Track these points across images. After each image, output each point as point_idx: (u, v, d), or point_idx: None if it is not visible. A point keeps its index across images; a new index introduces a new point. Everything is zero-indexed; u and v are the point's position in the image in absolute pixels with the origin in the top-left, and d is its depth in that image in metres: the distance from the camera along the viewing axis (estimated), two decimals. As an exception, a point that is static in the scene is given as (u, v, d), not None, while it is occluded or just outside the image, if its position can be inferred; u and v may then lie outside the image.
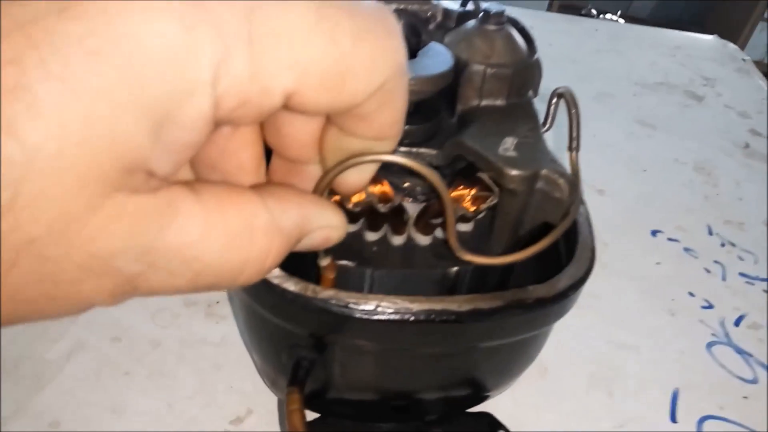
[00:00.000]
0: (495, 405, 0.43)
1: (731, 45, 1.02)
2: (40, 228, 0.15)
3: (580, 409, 0.46)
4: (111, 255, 0.16)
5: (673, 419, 0.46)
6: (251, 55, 0.16)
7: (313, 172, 0.24)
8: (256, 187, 0.21)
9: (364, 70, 0.19)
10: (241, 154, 0.22)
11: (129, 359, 0.44)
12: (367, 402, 0.38)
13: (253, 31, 0.16)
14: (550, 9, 2.26)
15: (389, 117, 0.21)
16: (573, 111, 0.33)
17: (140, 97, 0.15)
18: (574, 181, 0.30)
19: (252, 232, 0.19)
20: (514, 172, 0.29)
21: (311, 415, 0.39)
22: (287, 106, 0.19)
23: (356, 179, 0.25)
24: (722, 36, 1.04)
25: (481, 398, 0.41)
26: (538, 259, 0.39)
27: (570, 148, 0.34)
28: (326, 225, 0.23)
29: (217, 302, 0.50)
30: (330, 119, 0.23)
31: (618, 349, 0.51)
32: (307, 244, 0.23)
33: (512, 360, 0.38)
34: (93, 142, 0.15)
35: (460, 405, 0.41)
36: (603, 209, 0.64)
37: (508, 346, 0.36)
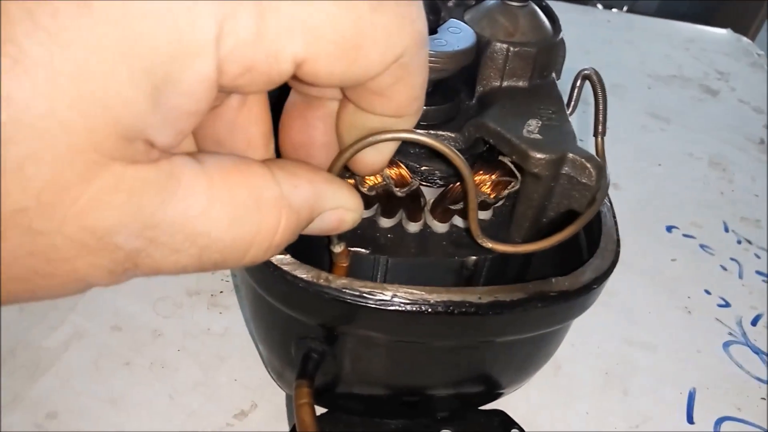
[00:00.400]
0: (507, 403, 0.41)
1: (745, 39, 1.00)
2: (28, 197, 0.13)
3: (594, 408, 0.44)
4: (108, 230, 0.15)
5: (690, 420, 0.45)
6: (259, 15, 0.15)
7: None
8: (265, 161, 0.20)
9: (381, 39, 0.17)
10: (250, 128, 0.21)
11: (129, 349, 0.43)
12: (377, 397, 0.36)
13: None
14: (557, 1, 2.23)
15: (408, 92, 0.20)
16: (599, 93, 0.31)
17: (137, 56, 0.14)
18: (601, 165, 0.29)
19: (260, 205, 0.18)
20: (539, 156, 0.28)
21: (318, 410, 0.38)
22: (297, 76, 0.17)
23: (374, 159, 0.24)
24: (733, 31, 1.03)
25: (495, 395, 0.40)
26: (558, 251, 0.37)
27: (596, 133, 0.32)
28: (340, 206, 0.21)
29: (221, 292, 0.48)
30: (346, 95, 0.21)
31: (633, 347, 0.49)
32: (319, 225, 0.21)
33: (529, 356, 0.36)
34: (86, 104, 0.13)
35: (472, 402, 0.40)
36: (617, 204, 0.61)
37: (526, 341, 0.34)
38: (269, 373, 0.41)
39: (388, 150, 0.24)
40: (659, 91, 0.84)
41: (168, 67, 0.14)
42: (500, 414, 0.40)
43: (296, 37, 0.16)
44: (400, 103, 0.20)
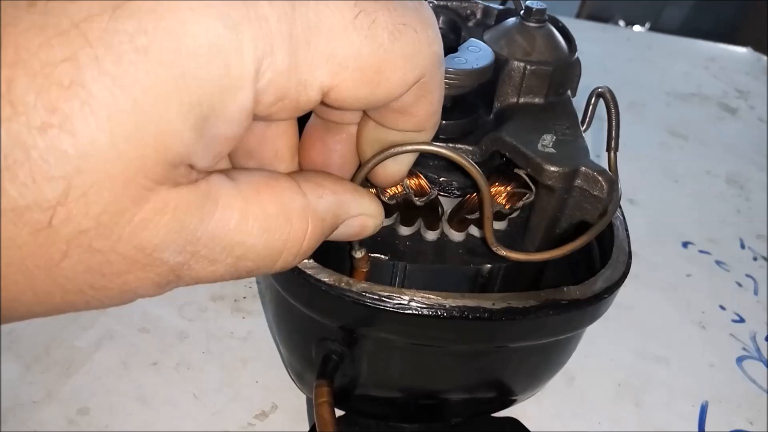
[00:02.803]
0: (521, 411, 0.42)
1: (765, 58, 1.01)
2: (90, 221, 0.15)
3: (606, 419, 0.45)
4: (155, 247, 0.17)
5: (702, 433, 0.45)
6: (291, 50, 0.17)
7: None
8: (292, 174, 0.21)
9: (401, 64, 0.19)
10: (278, 142, 0.23)
11: (156, 350, 0.45)
12: (393, 400, 0.37)
13: (293, 27, 0.16)
14: (578, 18, 2.25)
15: (427, 109, 0.22)
16: (612, 111, 0.33)
17: (186, 93, 0.15)
18: (613, 179, 0.30)
19: (288, 214, 0.20)
20: (553, 168, 0.29)
21: (336, 412, 0.39)
22: (325, 102, 0.19)
23: (394, 170, 0.25)
24: (755, 50, 1.03)
25: (508, 402, 0.41)
26: (571, 263, 0.39)
27: (609, 149, 0.33)
28: (363, 213, 0.23)
29: (244, 298, 0.50)
30: (368, 114, 0.23)
31: (646, 360, 0.50)
32: (343, 232, 0.23)
33: (541, 363, 0.37)
34: (141, 136, 0.15)
35: (486, 408, 0.41)
36: (633, 219, 0.62)
37: (539, 348, 0.35)
38: (289, 374, 0.42)
39: (407, 162, 0.26)
40: (678, 109, 0.85)
41: (212, 99, 0.16)
42: (513, 422, 0.41)
43: (324, 68, 0.17)
44: (420, 119, 0.22)
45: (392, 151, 0.23)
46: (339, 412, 0.39)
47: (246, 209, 0.18)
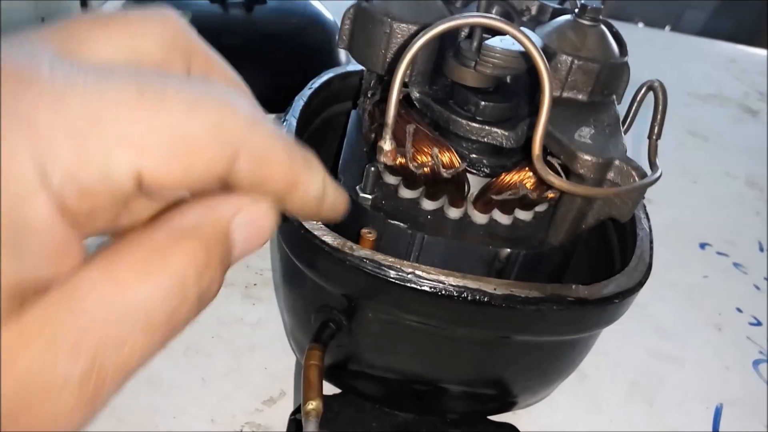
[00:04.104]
0: (531, 409, 0.41)
1: (788, 61, 0.99)
2: None
3: (618, 418, 0.44)
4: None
5: (716, 435, 0.44)
6: (77, 143, 0.15)
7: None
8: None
9: (208, 137, 0.17)
10: (143, 214, 0.20)
11: (166, 333, 0.44)
12: (388, 381, 0.37)
13: (69, 118, 0.15)
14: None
15: (280, 169, 0.19)
16: (660, 102, 0.33)
17: None
18: (645, 174, 0.29)
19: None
20: (586, 157, 0.29)
21: (332, 390, 0.39)
22: (145, 189, 0.17)
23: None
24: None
25: (508, 404, 0.40)
26: (593, 269, 0.38)
27: (650, 135, 0.33)
28: (240, 207, 0.19)
29: (255, 285, 0.49)
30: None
31: (661, 360, 0.49)
32: (241, 250, 0.19)
33: (544, 365, 0.36)
34: None
35: (484, 407, 0.40)
36: (651, 219, 0.62)
37: (542, 347, 0.35)
38: (291, 344, 0.42)
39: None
40: (698, 110, 0.83)
41: (11, 217, 0.15)
42: (509, 427, 0.40)
43: (120, 152, 0.16)
44: (277, 181, 0.19)
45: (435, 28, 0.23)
46: (336, 390, 0.39)
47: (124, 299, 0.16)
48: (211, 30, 0.56)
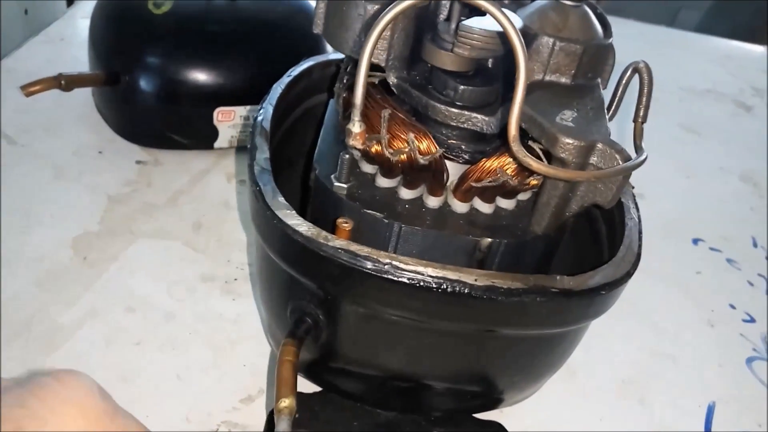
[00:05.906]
0: (519, 405, 0.40)
1: (783, 57, 0.98)
2: None
3: (608, 415, 0.43)
4: None
5: (708, 433, 0.43)
6: None
7: None
8: None
9: None
10: None
11: (141, 330, 0.43)
12: (369, 378, 0.35)
13: None
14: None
15: None
16: (646, 84, 0.32)
17: None
18: (630, 158, 0.28)
19: None
20: (568, 140, 0.27)
21: (312, 388, 0.38)
22: None
23: None
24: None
25: (493, 402, 0.38)
26: (582, 260, 0.37)
27: (636, 119, 0.32)
28: None
29: (235, 279, 0.48)
30: None
31: (653, 357, 0.48)
32: None
33: (529, 360, 0.35)
34: None
35: (469, 405, 0.38)
36: (643, 214, 0.61)
37: (527, 340, 0.33)
38: (268, 341, 0.41)
39: None
40: (692, 105, 0.82)
41: None
42: (497, 426, 0.38)
43: None
44: None
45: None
46: (316, 388, 0.38)
47: None
48: (194, 18, 0.55)
